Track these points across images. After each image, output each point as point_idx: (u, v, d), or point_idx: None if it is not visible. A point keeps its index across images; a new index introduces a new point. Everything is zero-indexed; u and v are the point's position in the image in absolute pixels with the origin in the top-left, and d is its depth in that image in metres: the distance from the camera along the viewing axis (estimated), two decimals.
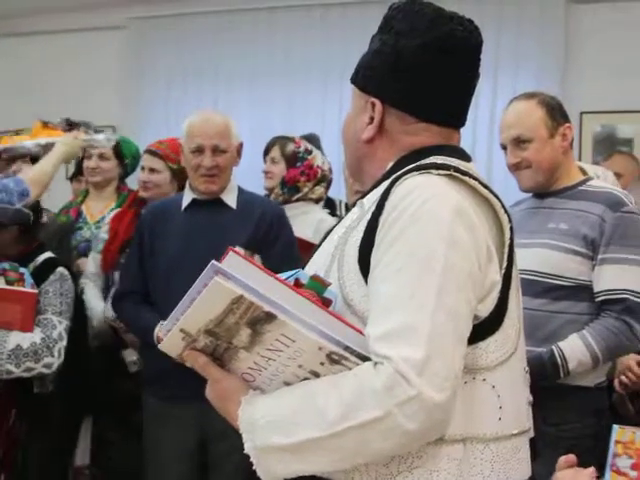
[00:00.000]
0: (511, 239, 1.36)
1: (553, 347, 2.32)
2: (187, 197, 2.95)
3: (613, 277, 2.35)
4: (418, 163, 1.35)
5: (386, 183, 1.36)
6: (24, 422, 2.72)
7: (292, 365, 1.25)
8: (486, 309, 1.31)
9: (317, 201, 3.61)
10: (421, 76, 1.40)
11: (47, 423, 2.76)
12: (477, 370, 1.30)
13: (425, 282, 1.21)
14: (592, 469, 1.30)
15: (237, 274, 1.19)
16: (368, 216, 1.34)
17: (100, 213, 3.65)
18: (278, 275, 1.28)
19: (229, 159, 2.90)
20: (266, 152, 3.77)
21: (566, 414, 2.34)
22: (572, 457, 1.35)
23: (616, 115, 5.13)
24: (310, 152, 3.61)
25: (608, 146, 5.05)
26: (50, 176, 2.91)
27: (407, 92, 1.42)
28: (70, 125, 3.17)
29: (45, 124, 3.19)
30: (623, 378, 2.74)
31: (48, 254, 2.80)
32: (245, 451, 1.27)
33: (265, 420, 1.25)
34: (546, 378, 2.28)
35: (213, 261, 1.20)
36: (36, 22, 6.12)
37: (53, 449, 2.80)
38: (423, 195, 1.27)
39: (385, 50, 1.43)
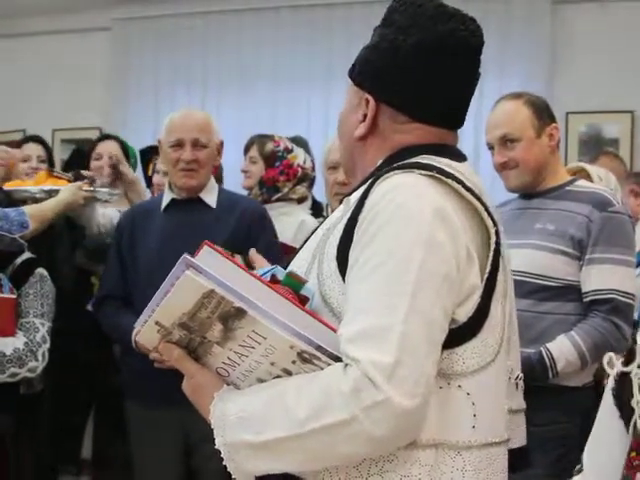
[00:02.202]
0: (497, 244, 1.32)
1: (541, 348, 2.32)
2: (167, 197, 2.90)
3: (600, 277, 2.35)
4: (402, 162, 1.32)
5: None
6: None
7: (265, 362, 1.23)
8: (465, 314, 1.27)
9: (300, 201, 3.54)
10: (417, 74, 1.36)
11: (34, 423, 2.74)
12: (452, 376, 1.26)
13: (400, 284, 1.18)
14: None
15: (209, 268, 1.18)
16: (348, 214, 1.31)
17: None
18: (254, 271, 1.27)
19: (209, 154, 2.83)
20: (246, 150, 3.74)
21: (554, 414, 2.33)
22: None
23: (602, 115, 5.14)
24: (290, 151, 3.53)
25: (594, 146, 5.05)
26: (49, 218, 2.92)
27: (402, 90, 1.37)
28: (76, 177, 3.21)
29: (50, 173, 3.25)
30: None
31: (27, 255, 2.78)
32: (216, 446, 1.26)
33: (236, 417, 1.23)
34: (535, 379, 2.28)
35: (185, 255, 1.19)
36: (21, 24, 6.10)
37: (40, 448, 2.78)
38: (403, 194, 1.24)
39: (382, 45, 1.38)
